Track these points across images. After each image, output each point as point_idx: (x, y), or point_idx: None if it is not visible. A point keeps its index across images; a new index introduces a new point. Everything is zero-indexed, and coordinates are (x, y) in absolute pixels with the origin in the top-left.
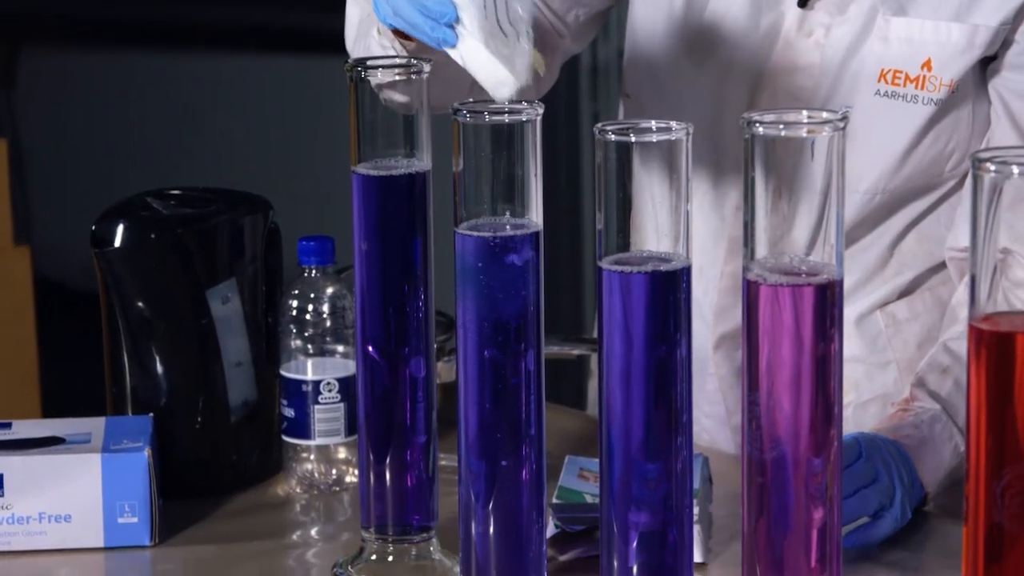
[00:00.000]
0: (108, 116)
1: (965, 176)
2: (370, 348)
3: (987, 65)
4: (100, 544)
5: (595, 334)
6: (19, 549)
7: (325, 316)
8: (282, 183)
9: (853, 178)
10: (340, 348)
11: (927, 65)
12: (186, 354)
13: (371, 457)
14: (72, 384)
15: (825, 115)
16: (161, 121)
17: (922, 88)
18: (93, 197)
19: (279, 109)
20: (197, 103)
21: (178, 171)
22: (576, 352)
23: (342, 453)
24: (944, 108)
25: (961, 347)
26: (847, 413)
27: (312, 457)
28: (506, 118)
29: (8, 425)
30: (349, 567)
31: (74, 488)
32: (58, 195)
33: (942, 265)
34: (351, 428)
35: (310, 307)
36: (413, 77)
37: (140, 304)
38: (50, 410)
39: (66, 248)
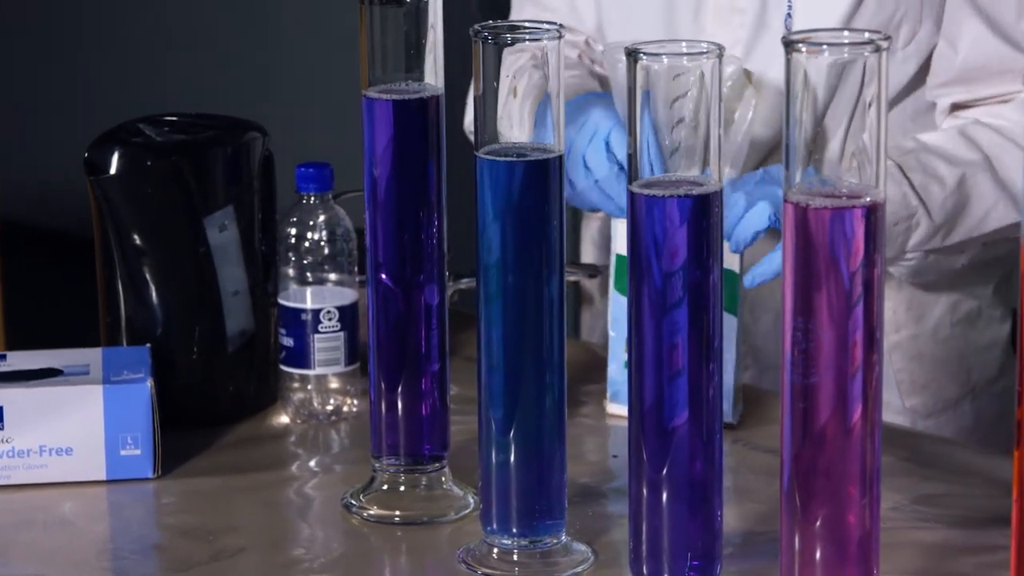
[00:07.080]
0: (80, 42)
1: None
2: (383, 276)
3: None
4: (102, 477)
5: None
6: (20, 483)
7: (323, 244)
8: (265, 108)
9: None
10: (333, 276)
11: None
12: (182, 283)
13: (383, 386)
14: (33, 316)
15: (867, 35)
16: (136, 47)
17: None
18: (56, 131)
19: (266, 33)
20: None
21: (160, 99)
22: (573, 278)
23: (336, 383)
24: None
25: (929, 138)
26: None
27: (310, 387)
28: (527, 41)
29: (3, 357)
30: (360, 497)
31: (75, 420)
32: (23, 128)
33: None
34: (350, 357)
35: (309, 235)
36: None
37: (135, 233)
38: (14, 345)
39: (24, 182)
